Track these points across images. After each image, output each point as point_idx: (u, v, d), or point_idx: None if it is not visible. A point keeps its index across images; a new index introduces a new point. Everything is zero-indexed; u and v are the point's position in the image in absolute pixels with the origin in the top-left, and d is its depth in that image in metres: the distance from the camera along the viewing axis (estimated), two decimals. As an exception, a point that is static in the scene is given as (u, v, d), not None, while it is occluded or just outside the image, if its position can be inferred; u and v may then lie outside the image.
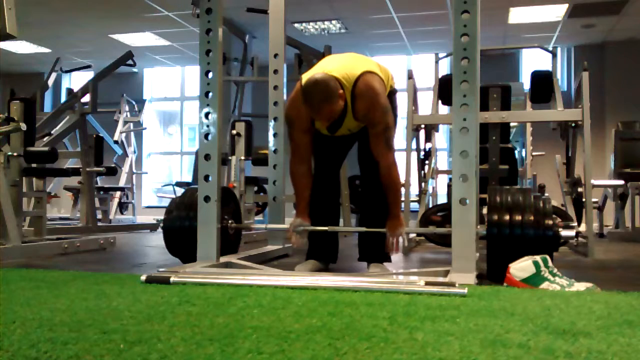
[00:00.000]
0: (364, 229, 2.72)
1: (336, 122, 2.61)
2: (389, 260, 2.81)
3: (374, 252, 2.76)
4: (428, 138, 4.83)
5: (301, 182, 2.66)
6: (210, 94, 2.51)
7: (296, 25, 8.34)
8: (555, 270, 2.11)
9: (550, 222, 2.33)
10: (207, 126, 2.51)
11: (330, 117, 2.48)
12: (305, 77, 2.53)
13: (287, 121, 2.70)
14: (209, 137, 2.51)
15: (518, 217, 2.34)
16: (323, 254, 2.85)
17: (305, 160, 2.67)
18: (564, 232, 2.42)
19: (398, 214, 2.61)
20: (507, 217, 2.35)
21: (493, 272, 2.36)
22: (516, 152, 4.84)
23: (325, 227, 2.74)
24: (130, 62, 6.37)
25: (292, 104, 2.63)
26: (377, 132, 2.55)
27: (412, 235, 4.10)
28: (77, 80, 11.13)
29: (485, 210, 2.50)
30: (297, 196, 2.68)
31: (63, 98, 9.81)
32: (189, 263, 2.56)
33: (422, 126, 4.39)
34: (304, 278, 2.05)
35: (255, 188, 6.06)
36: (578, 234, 4.03)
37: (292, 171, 2.68)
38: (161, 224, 2.90)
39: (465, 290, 1.79)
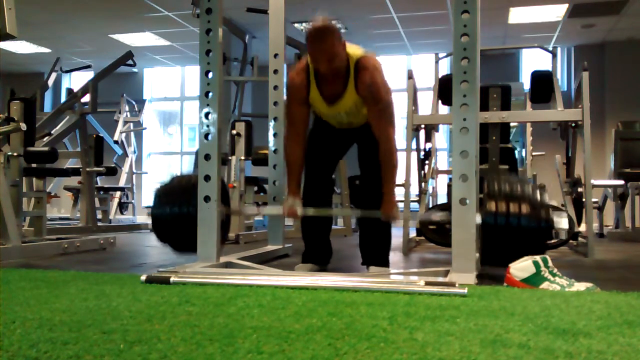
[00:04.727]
0: (359, 212, 2.72)
1: (336, 94, 2.59)
2: (387, 265, 2.81)
3: (376, 255, 2.76)
4: (428, 138, 4.82)
5: (295, 160, 2.67)
6: (210, 94, 2.51)
7: (296, 25, 8.34)
8: (555, 270, 2.11)
9: (544, 212, 2.34)
10: (207, 126, 2.51)
11: (332, 57, 2.44)
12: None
13: (287, 91, 2.72)
14: (209, 137, 2.51)
15: (514, 206, 2.34)
16: (318, 256, 2.85)
17: (300, 135, 2.67)
18: (557, 218, 2.41)
19: (391, 195, 2.59)
20: (503, 206, 2.35)
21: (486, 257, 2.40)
22: (516, 152, 4.84)
23: (319, 209, 2.72)
24: (130, 62, 6.38)
25: (293, 74, 2.66)
26: (379, 109, 2.55)
27: (412, 235, 4.10)
28: (77, 80, 11.13)
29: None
30: (290, 175, 2.68)
31: (63, 98, 9.81)
32: (181, 251, 2.53)
33: (422, 126, 4.39)
34: (304, 278, 2.05)
35: (255, 188, 6.06)
36: (578, 234, 4.04)
37: (287, 149, 2.70)
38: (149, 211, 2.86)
39: (465, 290, 1.79)
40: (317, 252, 2.86)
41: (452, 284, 1.87)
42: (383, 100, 2.55)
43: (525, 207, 2.34)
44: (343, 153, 2.94)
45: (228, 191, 3.12)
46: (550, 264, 2.12)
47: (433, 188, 5.18)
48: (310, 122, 2.84)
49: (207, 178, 2.51)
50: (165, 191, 2.83)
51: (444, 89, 4.40)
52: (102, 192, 7.23)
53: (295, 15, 7.87)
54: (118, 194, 8.66)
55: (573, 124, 4.18)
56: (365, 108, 2.62)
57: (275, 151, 3.47)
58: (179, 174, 3.03)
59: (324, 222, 2.85)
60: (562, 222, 2.44)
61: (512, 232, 2.32)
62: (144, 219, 8.89)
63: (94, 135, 6.03)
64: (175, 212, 2.73)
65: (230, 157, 5.02)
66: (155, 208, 2.81)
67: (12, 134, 3.69)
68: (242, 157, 5.01)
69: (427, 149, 4.84)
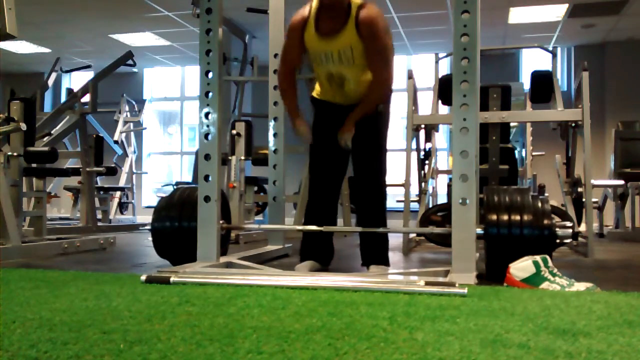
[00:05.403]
0: (360, 229, 2.72)
1: (334, 30, 2.60)
2: (388, 264, 2.81)
3: (375, 255, 2.76)
4: (428, 138, 4.82)
5: (288, 88, 2.80)
6: (210, 94, 2.51)
7: (296, 25, 8.33)
8: (555, 270, 2.11)
9: (548, 221, 2.34)
10: (207, 126, 2.51)
11: None
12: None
13: (288, 30, 2.77)
14: (209, 137, 2.51)
15: (516, 217, 2.35)
16: (319, 254, 2.85)
17: (292, 73, 2.80)
18: (561, 232, 2.42)
19: (352, 121, 2.65)
20: (505, 217, 2.36)
21: (491, 271, 2.37)
22: (516, 152, 4.84)
23: (321, 228, 2.75)
24: (130, 62, 6.38)
25: (297, 15, 2.70)
26: (377, 50, 2.58)
27: (412, 235, 4.10)
28: (77, 80, 11.13)
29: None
30: (287, 102, 2.82)
31: (63, 98, 9.81)
32: (179, 265, 2.54)
33: (422, 126, 4.39)
34: (304, 278, 2.05)
35: (255, 188, 6.06)
36: (578, 234, 4.04)
37: (280, 82, 2.85)
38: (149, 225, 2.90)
39: (465, 290, 1.79)
40: (317, 248, 2.85)
41: (452, 284, 1.87)
42: (382, 39, 2.57)
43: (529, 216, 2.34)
44: (345, 165, 2.94)
45: (229, 207, 3.14)
46: (550, 264, 2.12)
47: (433, 188, 5.18)
48: (310, 123, 2.85)
49: (207, 178, 2.51)
50: (167, 205, 2.85)
51: (444, 89, 4.40)
52: (102, 192, 7.23)
53: (295, 15, 7.86)
54: (118, 194, 8.66)
55: (573, 124, 4.18)
56: (361, 59, 2.62)
57: (275, 151, 3.47)
58: (181, 186, 3.05)
59: (328, 222, 2.84)
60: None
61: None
62: (144, 218, 8.89)
63: (94, 135, 6.03)
64: (176, 227, 2.76)
65: (230, 157, 5.02)
66: (155, 222, 2.83)
67: (12, 134, 3.69)
68: (242, 157, 5.01)
69: (427, 149, 4.84)
